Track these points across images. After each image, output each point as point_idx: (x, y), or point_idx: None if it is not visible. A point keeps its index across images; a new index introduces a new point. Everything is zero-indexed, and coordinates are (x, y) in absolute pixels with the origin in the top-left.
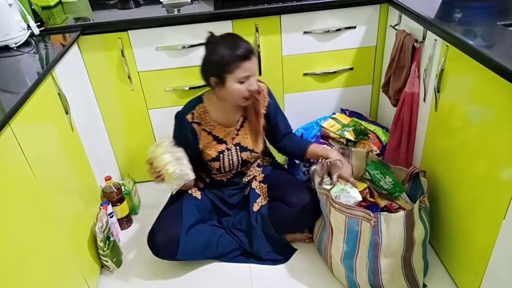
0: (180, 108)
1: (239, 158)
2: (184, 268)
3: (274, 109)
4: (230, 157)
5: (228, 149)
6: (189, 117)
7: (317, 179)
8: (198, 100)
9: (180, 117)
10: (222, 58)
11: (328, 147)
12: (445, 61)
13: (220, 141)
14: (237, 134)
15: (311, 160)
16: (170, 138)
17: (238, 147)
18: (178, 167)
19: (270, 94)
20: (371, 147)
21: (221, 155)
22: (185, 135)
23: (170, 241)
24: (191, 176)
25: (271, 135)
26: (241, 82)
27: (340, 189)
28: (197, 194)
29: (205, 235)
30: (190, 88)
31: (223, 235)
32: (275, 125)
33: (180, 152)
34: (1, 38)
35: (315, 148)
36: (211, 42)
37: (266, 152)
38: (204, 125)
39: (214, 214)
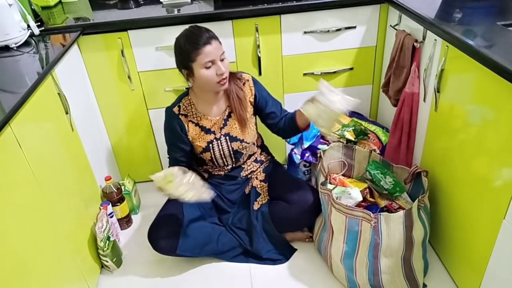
0: None
1: (230, 149)
2: (184, 267)
3: (264, 97)
4: (220, 147)
5: (217, 139)
6: (175, 109)
7: (321, 179)
8: (185, 93)
9: (167, 111)
10: (183, 49)
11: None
12: (445, 61)
13: (207, 131)
14: (225, 124)
15: (313, 160)
16: (177, 173)
17: (227, 137)
18: (195, 193)
19: (256, 83)
20: (371, 147)
21: (210, 145)
22: (174, 128)
23: (170, 235)
24: (208, 194)
25: (270, 123)
26: (208, 68)
27: (341, 191)
28: None
29: (205, 231)
30: (188, 88)
31: (223, 232)
32: (270, 113)
33: (191, 177)
34: (1, 38)
35: (297, 112)
36: (176, 39)
37: (263, 148)
38: (190, 116)
39: (214, 212)
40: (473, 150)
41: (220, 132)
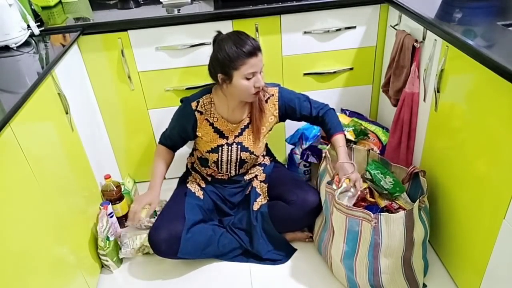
0: None
1: (238, 157)
2: (184, 267)
3: (291, 106)
4: (229, 153)
5: (228, 144)
6: (193, 104)
7: (326, 178)
8: (207, 90)
9: (185, 102)
10: (228, 55)
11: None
12: (445, 61)
13: (221, 134)
14: (240, 134)
15: (313, 160)
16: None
17: (239, 146)
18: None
19: (281, 96)
20: (371, 147)
21: (220, 148)
22: (182, 121)
23: (172, 238)
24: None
25: (306, 121)
26: (248, 79)
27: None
28: (200, 193)
29: (206, 233)
30: (188, 88)
31: (224, 234)
32: (301, 117)
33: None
34: (1, 38)
35: (335, 143)
36: (219, 40)
37: (267, 152)
38: (207, 115)
39: (215, 215)
40: (473, 150)
41: (233, 139)
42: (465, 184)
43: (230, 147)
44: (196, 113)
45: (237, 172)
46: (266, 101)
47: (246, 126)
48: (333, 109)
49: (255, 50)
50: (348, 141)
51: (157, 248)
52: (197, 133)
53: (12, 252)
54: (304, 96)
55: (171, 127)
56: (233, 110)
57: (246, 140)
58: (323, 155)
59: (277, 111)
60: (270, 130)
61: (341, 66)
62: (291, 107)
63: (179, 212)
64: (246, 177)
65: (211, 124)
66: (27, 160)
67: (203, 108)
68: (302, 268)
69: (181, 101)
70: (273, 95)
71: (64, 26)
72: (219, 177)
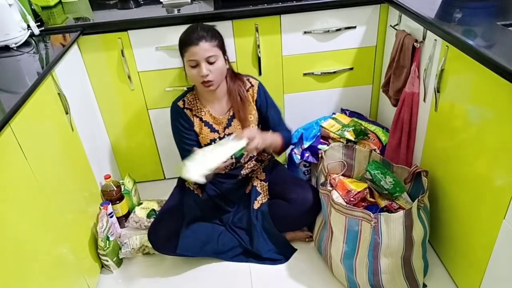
0: None
1: None
2: (184, 267)
3: (266, 104)
4: None
5: (220, 138)
6: (180, 103)
7: (321, 179)
8: (190, 89)
9: (172, 105)
10: (179, 42)
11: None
12: (445, 61)
13: (212, 128)
14: (229, 125)
15: (313, 160)
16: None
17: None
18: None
19: (260, 89)
20: (371, 147)
21: (213, 143)
22: (179, 122)
23: (171, 234)
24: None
25: (264, 128)
26: (192, 67)
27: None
28: (198, 191)
29: (206, 230)
30: (188, 88)
31: (223, 232)
32: (266, 119)
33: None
34: (1, 38)
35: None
36: None
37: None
38: (195, 111)
39: (214, 212)
40: (473, 150)
41: (224, 132)
42: (465, 184)
43: None
44: (186, 110)
45: (234, 165)
46: (248, 90)
47: (233, 116)
48: (290, 135)
49: (196, 40)
50: (348, 141)
51: (156, 244)
52: (195, 128)
53: (12, 252)
54: (279, 110)
55: (179, 141)
56: (213, 102)
57: (236, 130)
58: (320, 155)
59: (254, 102)
60: (258, 118)
61: (341, 66)
62: (266, 107)
63: (178, 209)
64: (243, 172)
65: (201, 119)
66: (27, 160)
67: (190, 105)
68: (302, 268)
69: (170, 107)
70: (253, 85)
71: (64, 26)
72: (217, 172)
